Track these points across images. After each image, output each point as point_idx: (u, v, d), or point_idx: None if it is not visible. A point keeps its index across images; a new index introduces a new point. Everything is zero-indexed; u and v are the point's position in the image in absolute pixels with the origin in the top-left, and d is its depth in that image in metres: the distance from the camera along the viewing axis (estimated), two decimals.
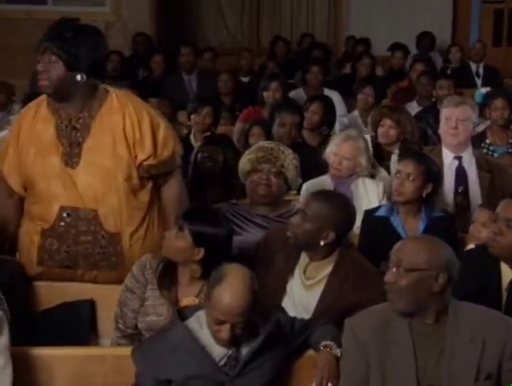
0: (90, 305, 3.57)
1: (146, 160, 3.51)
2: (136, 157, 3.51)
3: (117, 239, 3.51)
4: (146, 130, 3.50)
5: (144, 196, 3.57)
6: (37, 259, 3.55)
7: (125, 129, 3.48)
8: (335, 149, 4.63)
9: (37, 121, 3.54)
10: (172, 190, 3.65)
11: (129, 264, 3.49)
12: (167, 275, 3.28)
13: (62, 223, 3.48)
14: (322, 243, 3.34)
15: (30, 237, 3.57)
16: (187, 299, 3.20)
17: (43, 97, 3.60)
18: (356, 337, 2.88)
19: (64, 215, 3.48)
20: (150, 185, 3.59)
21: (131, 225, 3.53)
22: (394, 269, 2.84)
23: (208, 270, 3.01)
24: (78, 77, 3.43)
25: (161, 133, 3.55)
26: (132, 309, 3.28)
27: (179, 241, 3.23)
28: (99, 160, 3.47)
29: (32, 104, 3.64)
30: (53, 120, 3.51)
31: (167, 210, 3.65)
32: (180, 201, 3.67)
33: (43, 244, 3.53)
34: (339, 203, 3.43)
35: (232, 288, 2.79)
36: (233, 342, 2.86)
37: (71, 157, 3.48)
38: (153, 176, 3.57)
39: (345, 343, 2.93)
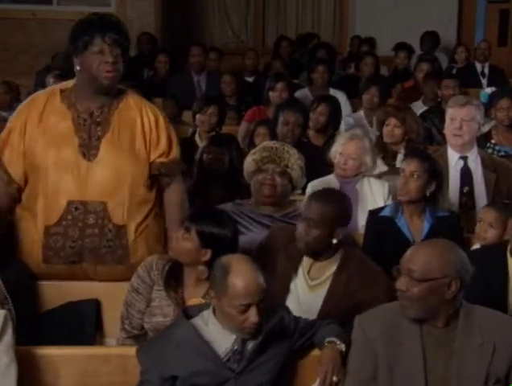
0: (95, 305, 3.57)
1: (159, 157, 3.62)
2: (150, 154, 3.59)
3: (123, 231, 3.54)
4: (162, 129, 3.62)
5: (151, 193, 3.63)
6: (42, 257, 3.55)
7: (143, 126, 3.58)
8: (340, 149, 4.62)
9: (49, 114, 3.54)
10: (175, 195, 3.72)
11: (133, 258, 3.55)
12: (174, 276, 3.28)
13: (69, 217, 3.49)
14: (335, 241, 3.35)
15: (30, 237, 3.56)
16: (193, 300, 3.20)
17: (55, 91, 3.62)
18: (365, 334, 2.88)
19: (72, 209, 3.49)
20: (156, 185, 3.66)
21: (136, 218, 3.57)
22: (406, 278, 2.80)
23: None
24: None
25: (174, 136, 3.68)
26: (138, 310, 3.28)
27: (186, 243, 3.23)
28: (116, 154, 3.52)
29: (41, 94, 3.65)
30: (69, 114, 3.53)
31: (169, 213, 3.71)
32: (182, 206, 3.73)
33: (47, 241, 3.52)
34: (338, 199, 3.44)
35: (242, 270, 2.84)
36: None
37: (89, 149, 3.51)
38: (162, 174, 3.65)
39: (355, 340, 2.93)
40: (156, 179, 3.67)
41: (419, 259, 2.80)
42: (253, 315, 2.83)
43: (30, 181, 3.57)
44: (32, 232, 3.56)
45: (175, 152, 3.67)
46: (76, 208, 3.49)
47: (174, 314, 3.19)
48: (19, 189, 3.59)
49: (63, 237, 3.51)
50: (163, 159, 3.62)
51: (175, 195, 3.72)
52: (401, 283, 2.81)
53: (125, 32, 3.54)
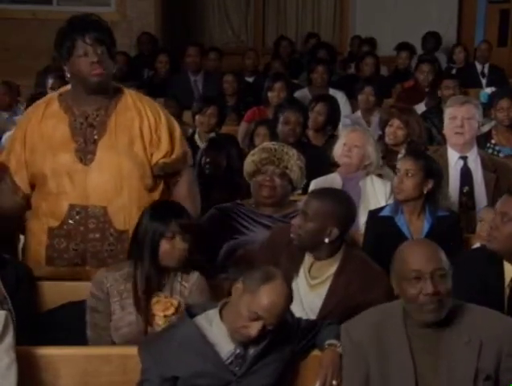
0: None
1: (162, 158, 3.54)
2: (152, 155, 3.54)
3: (125, 237, 3.49)
4: (163, 130, 3.55)
5: (155, 196, 3.57)
6: (46, 259, 3.55)
7: (141, 128, 3.52)
8: (344, 140, 4.65)
9: (47, 119, 3.52)
10: (183, 190, 3.65)
11: None
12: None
13: (71, 221, 3.48)
14: (327, 240, 3.33)
15: (37, 238, 3.56)
16: (158, 297, 3.21)
17: (53, 96, 3.61)
18: (351, 339, 2.88)
19: (74, 213, 3.47)
20: (161, 185, 3.60)
21: None
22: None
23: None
24: (115, 70, 3.52)
25: (177, 133, 3.60)
26: (104, 327, 3.23)
27: (182, 251, 3.23)
28: (114, 157, 3.47)
29: (41, 102, 3.62)
30: (66, 118, 3.51)
31: None
32: (193, 199, 3.68)
33: (51, 243, 3.52)
34: (338, 199, 3.41)
35: (279, 289, 2.81)
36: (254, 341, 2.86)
37: (85, 153, 3.47)
38: (167, 174, 3.59)
39: (343, 347, 2.93)
40: (162, 180, 3.61)
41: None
42: (254, 328, 2.80)
43: (35, 187, 3.57)
44: (37, 234, 3.56)
45: (179, 149, 3.60)
46: (78, 212, 3.47)
47: (138, 320, 3.17)
48: (26, 196, 3.59)
49: (66, 239, 3.50)
50: (166, 160, 3.55)
51: (181, 191, 3.65)
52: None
53: (105, 28, 3.50)
